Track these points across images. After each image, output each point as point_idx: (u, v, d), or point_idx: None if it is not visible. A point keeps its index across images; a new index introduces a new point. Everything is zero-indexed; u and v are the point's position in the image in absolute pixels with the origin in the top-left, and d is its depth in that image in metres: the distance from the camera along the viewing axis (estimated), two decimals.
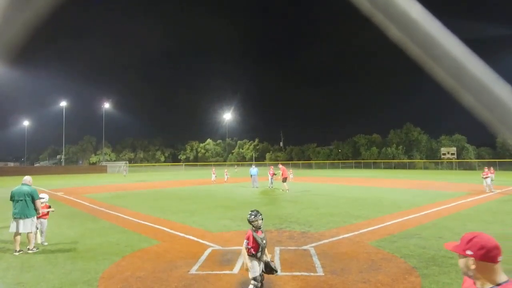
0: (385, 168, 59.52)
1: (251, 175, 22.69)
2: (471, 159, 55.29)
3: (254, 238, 4.41)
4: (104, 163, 67.33)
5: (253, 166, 23.61)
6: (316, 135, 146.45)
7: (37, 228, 7.51)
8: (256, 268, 4.41)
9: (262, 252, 4.49)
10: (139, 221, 10.37)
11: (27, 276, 5.53)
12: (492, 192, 17.55)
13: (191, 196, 17.36)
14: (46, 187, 22.86)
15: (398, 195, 17.03)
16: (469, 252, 1.54)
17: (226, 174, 28.48)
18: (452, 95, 0.75)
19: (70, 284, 5.16)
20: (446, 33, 0.70)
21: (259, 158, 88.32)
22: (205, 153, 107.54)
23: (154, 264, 6.09)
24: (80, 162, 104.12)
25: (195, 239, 7.98)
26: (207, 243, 7.55)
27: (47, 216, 7.89)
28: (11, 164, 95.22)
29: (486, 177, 17.99)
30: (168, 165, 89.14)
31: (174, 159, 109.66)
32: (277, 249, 6.92)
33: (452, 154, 56.17)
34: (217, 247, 7.19)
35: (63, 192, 20.11)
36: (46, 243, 7.52)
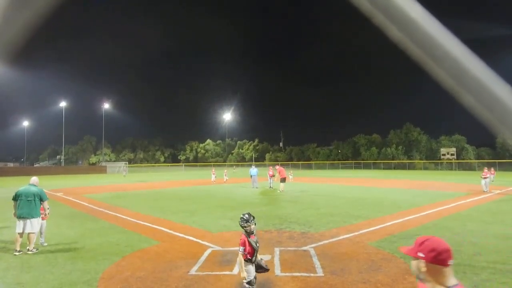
0: (385, 168, 59.53)
1: (251, 176, 22.68)
2: (470, 159, 55.32)
3: (249, 243, 4.34)
4: (104, 164, 67.33)
5: (253, 167, 23.61)
6: (316, 135, 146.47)
7: (41, 231, 7.58)
8: (251, 272, 4.38)
9: (256, 255, 4.45)
10: (139, 221, 10.37)
11: (26, 277, 5.53)
12: (486, 191, 17.61)
13: (191, 197, 17.36)
14: (46, 187, 22.84)
15: (398, 195, 17.04)
16: (420, 255, 1.55)
17: (226, 175, 28.47)
18: (452, 96, 0.75)
19: (70, 284, 5.15)
20: (446, 33, 0.70)
21: (259, 159, 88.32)
22: (205, 153, 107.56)
23: (154, 264, 6.09)
24: (80, 162, 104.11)
25: (195, 239, 7.98)
26: (207, 243, 7.55)
27: (46, 217, 7.89)
28: (11, 164, 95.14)
29: (486, 177, 18.11)
30: (168, 165, 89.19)
31: (174, 159, 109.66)
32: (277, 250, 6.91)
33: (452, 154, 56.21)
34: (217, 247, 7.19)
35: (62, 192, 20.10)
36: (45, 244, 7.51)
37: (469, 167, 52.69)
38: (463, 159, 55.92)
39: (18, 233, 6.93)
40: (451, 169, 53.64)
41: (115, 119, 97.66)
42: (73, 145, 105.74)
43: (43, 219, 7.72)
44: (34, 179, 7.53)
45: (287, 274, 5.52)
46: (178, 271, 5.69)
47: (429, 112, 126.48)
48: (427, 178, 32.26)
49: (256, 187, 21.69)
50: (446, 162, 56.45)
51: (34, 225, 7.05)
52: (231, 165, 67.90)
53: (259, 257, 4.56)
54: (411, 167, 58.85)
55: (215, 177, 28.12)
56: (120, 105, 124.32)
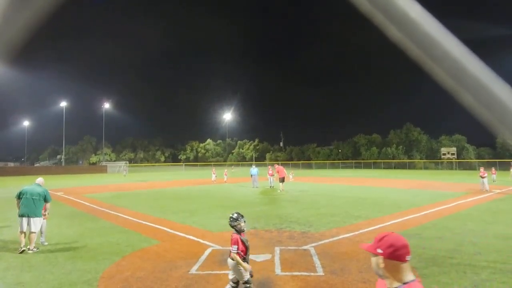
0: (385, 168, 59.52)
1: (251, 175, 22.69)
2: (471, 159, 55.29)
3: (242, 242, 4.32)
4: (104, 163, 67.35)
5: (253, 166, 23.61)
6: (316, 135, 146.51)
7: (42, 230, 7.62)
8: (246, 272, 4.36)
9: (248, 254, 4.43)
10: (139, 221, 10.37)
11: (27, 276, 5.53)
12: (487, 191, 17.68)
13: (191, 196, 17.36)
14: (46, 187, 22.80)
15: (398, 195, 17.03)
16: (379, 251, 1.55)
17: (226, 174, 28.48)
18: (452, 95, 0.75)
19: (70, 284, 5.16)
20: (446, 33, 0.70)
21: (259, 158, 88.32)
22: (205, 153, 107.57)
23: (154, 264, 6.09)
24: (80, 162, 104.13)
25: (195, 239, 7.98)
26: (207, 243, 7.55)
27: (46, 217, 7.90)
28: (11, 164, 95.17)
29: (484, 177, 18.21)
30: (168, 165, 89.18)
31: (174, 159, 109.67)
32: (277, 249, 6.92)
33: (452, 154, 56.20)
34: (217, 247, 7.19)
35: (63, 192, 20.11)
36: (46, 243, 7.52)
37: (470, 167, 52.64)
38: (464, 159, 55.90)
39: (21, 232, 6.95)
40: (452, 169, 53.62)
41: (115, 119, 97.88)
42: (73, 145, 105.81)
43: (44, 218, 7.74)
44: (40, 179, 7.69)
45: (287, 273, 5.52)
46: (179, 271, 5.69)
47: (429, 112, 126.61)
48: (427, 177, 32.25)
49: (257, 187, 21.69)
50: (447, 162, 56.44)
51: (36, 224, 7.10)
52: (231, 165, 67.91)
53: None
54: (411, 166, 58.83)
55: (216, 176, 28.13)
56: (120, 105, 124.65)
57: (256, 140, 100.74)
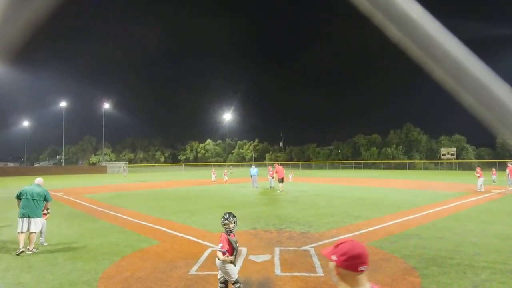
0: (385, 168, 59.52)
1: (251, 176, 22.68)
2: (471, 159, 55.30)
3: (229, 241, 4.32)
4: (104, 164, 67.32)
5: (253, 167, 23.61)
6: (316, 135, 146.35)
7: (42, 230, 7.62)
8: (234, 272, 4.35)
9: (237, 255, 4.42)
10: (139, 221, 10.37)
11: (26, 277, 5.53)
12: (482, 191, 17.89)
13: (191, 196, 17.36)
14: (46, 187, 22.80)
15: (398, 195, 17.03)
16: (333, 257, 1.50)
17: (226, 175, 28.48)
18: (452, 95, 0.75)
19: (70, 284, 5.15)
20: (446, 33, 0.70)
21: (259, 159, 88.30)
22: (205, 153, 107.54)
23: (154, 264, 6.09)
24: (80, 162, 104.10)
25: (195, 239, 7.98)
26: (207, 243, 7.55)
27: (46, 216, 7.90)
28: (11, 164, 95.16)
29: (481, 177, 18.45)
30: (168, 165, 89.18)
31: (174, 159, 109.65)
32: (277, 250, 6.91)
33: (452, 154, 56.21)
34: (217, 247, 7.18)
35: (62, 192, 20.10)
36: (45, 244, 7.52)
37: (469, 167, 52.59)
38: (463, 159, 55.91)
39: (19, 232, 6.94)
40: (451, 169, 53.62)
41: (115, 119, 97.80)
42: (73, 145, 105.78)
43: (43, 218, 7.73)
44: (39, 179, 7.67)
45: (287, 274, 5.52)
46: (178, 271, 5.69)
47: (429, 112, 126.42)
48: (427, 178, 32.26)
49: (256, 187, 21.69)
50: (446, 162, 56.44)
51: (36, 224, 7.10)
52: (229, 165, 67.87)
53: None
54: (411, 167, 58.83)
55: (215, 177, 28.12)
56: (120, 105, 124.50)
57: (256, 140, 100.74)
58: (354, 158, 69.37)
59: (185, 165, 71.85)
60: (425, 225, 9.34)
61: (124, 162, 57.66)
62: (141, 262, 6.20)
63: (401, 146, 63.96)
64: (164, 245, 7.52)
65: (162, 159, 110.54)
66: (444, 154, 57.58)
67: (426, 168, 56.48)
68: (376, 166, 61.34)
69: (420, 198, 15.58)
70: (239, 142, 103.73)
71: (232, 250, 4.33)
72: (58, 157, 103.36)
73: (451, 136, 60.78)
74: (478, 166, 20.15)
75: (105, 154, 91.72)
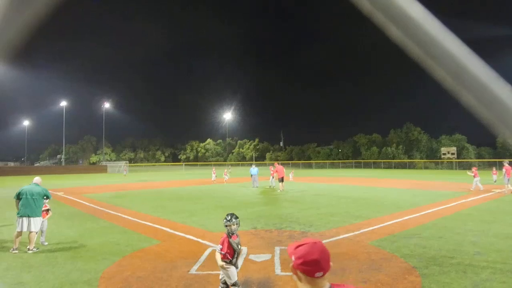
0: (385, 168, 59.53)
1: (251, 175, 22.69)
2: (471, 159, 55.27)
3: (229, 244, 4.27)
4: (104, 163, 67.34)
5: (253, 166, 23.61)
6: (316, 135, 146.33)
7: (42, 230, 7.64)
8: (234, 273, 4.30)
9: (237, 257, 4.36)
10: (139, 221, 10.37)
11: (27, 276, 5.53)
12: (471, 190, 18.24)
13: (191, 196, 17.36)
14: (46, 187, 22.80)
15: (398, 195, 17.03)
16: (292, 258, 1.45)
17: (226, 174, 28.49)
18: (452, 95, 0.75)
19: (70, 284, 5.16)
20: (446, 32, 0.70)
21: (259, 158, 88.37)
22: (205, 153, 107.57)
23: (154, 264, 6.09)
24: (80, 162, 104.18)
25: (195, 239, 7.99)
26: (207, 243, 7.55)
27: (45, 215, 7.90)
28: (11, 164, 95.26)
29: (475, 177, 18.73)
30: (168, 165, 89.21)
31: (174, 159, 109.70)
32: (277, 249, 6.92)
33: (452, 154, 56.17)
34: (217, 247, 7.19)
35: (63, 192, 20.11)
36: (46, 243, 7.52)
37: (470, 167, 52.53)
38: (464, 159, 55.88)
39: (18, 232, 6.97)
40: (452, 169, 53.61)
41: (116, 119, 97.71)
42: (73, 145, 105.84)
43: (44, 217, 7.73)
44: (37, 179, 7.67)
45: (287, 273, 5.52)
46: (179, 271, 5.70)
47: (429, 111, 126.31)
48: (428, 177, 32.25)
49: (257, 187, 21.69)
50: (447, 162, 56.42)
51: (36, 224, 7.12)
52: (230, 165, 67.90)
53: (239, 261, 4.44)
54: (411, 166, 58.83)
55: (216, 176, 28.12)
56: (120, 105, 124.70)
57: (256, 140, 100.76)
58: (354, 157, 69.36)
59: (185, 165, 71.88)
60: (425, 224, 9.34)
61: (124, 162, 57.75)
62: (142, 262, 6.20)
63: (401, 146, 63.94)
64: (164, 244, 7.53)
65: (163, 158, 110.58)
66: (444, 154, 57.54)
67: (426, 168, 56.47)
68: (376, 166, 61.34)
69: (420, 197, 15.57)
70: (239, 141, 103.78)
71: (232, 252, 4.28)
72: (58, 156, 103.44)
73: (452, 135, 60.74)
74: (474, 166, 20.44)
75: (105, 153, 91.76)
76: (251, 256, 6.41)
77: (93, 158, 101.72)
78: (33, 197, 7.16)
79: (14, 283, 5.23)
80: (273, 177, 21.85)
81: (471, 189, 18.68)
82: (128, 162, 62.57)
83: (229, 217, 4.40)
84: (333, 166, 67.68)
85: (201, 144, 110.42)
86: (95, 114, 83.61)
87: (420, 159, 60.38)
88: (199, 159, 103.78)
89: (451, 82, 0.71)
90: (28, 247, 6.97)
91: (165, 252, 6.90)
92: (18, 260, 6.44)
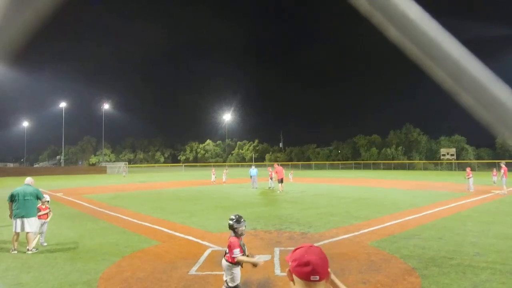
0: (384, 168, 59.53)
1: (251, 176, 22.69)
2: (470, 160, 55.29)
3: (240, 245, 4.12)
4: (103, 164, 67.31)
5: (253, 167, 23.61)
6: (316, 136, 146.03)
7: (42, 231, 7.62)
8: (239, 276, 4.19)
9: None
10: (138, 221, 10.36)
11: (26, 277, 5.53)
12: (469, 190, 18.35)
13: (191, 197, 17.35)
14: (46, 187, 22.83)
15: (397, 195, 17.04)
16: (289, 262, 1.42)
17: (225, 174, 28.46)
18: (451, 96, 0.75)
19: (70, 285, 5.15)
20: (445, 33, 0.71)
21: (259, 159, 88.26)
22: (204, 153, 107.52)
23: (153, 264, 6.09)
24: (80, 162, 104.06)
25: (195, 239, 7.98)
26: (207, 243, 7.55)
27: (47, 217, 7.89)
28: (11, 164, 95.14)
29: (469, 178, 18.97)
30: (168, 165, 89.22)
31: (173, 159, 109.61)
32: (276, 250, 6.92)
33: (452, 155, 56.19)
34: (216, 247, 7.19)
35: (62, 192, 20.09)
36: (45, 244, 7.52)
37: (470, 168, 52.61)
38: (463, 160, 55.89)
39: (16, 233, 6.97)
40: (451, 170, 53.62)
41: (115, 119, 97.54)
42: (73, 146, 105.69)
43: (43, 218, 7.71)
44: (29, 179, 7.63)
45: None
46: (178, 271, 5.69)
47: (429, 112, 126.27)
48: (427, 178, 32.26)
49: (256, 188, 21.69)
50: (446, 163, 56.44)
51: (31, 224, 7.10)
52: (230, 166, 67.92)
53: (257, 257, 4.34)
54: (411, 167, 58.83)
55: (215, 177, 28.12)
56: (120, 105, 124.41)
57: (256, 141, 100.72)
58: (354, 158, 69.37)
59: (185, 166, 71.86)
60: (425, 225, 9.34)
61: (124, 163, 57.69)
62: (141, 263, 6.20)
63: (400, 147, 63.95)
64: (164, 245, 7.52)
65: (162, 159, 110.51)
66: (443, 155, 57.57)
67: (425, 169, 56.48)
68: (376, 167, 61.34)
69: (420, 198, 15.58)
70: (239, 142, 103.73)
71: (243, 253, 4.17)
72: (58, 157, 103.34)
73: (451, 136, 60.75)
74: (468, 167, 20.64)
75: (105, 154, 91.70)
76: None
77: (93, 159, 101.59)
78: (26, 198, 7.14)
79: (14, 284, 5.22)
80: (271, 178, 21.86)
81: (468, 189, 18.69)
82: (127, 163, 62.49)
83: (240, 218, 4.22)
84: (332, 167, 67.68)
85: (201, 145, 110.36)
86: (95, 115, 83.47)
87: (419, 160, 60.40)
88: (198, 160, 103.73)
89: (450, 82, 0.71)
90: (27, 247, 6.97)
91: (165, 252, 6.89)
92: (17, 261, 6.43)
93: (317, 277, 1.35)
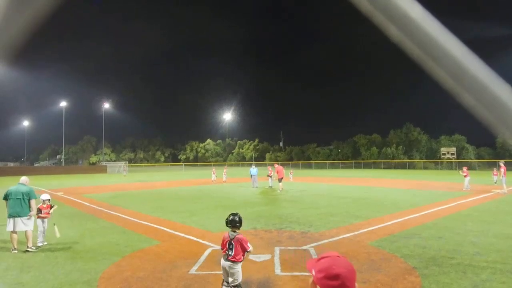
0: (385, 168, 59.51)
1: (251, 175, 22.70)
2: (471, 159, 55.28)
3: None
4: (104, 163, 67.33)
5: (253, 166, 23.62)
6: (316, 135, 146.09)
7: (44, 228, 7.61)
8: (241, 273, 4.33)
9: None
10: (139, 221, 10.37)
11: (26, 277, 5.53)
12: (467, 190, 18.27)
13: (191, 196, 17.36)
14: (46, 187, 22.84)
15: (398, 195, 17.04)
16: (313, 272, 1.28)
17: (225, 174, 28.49)
18: (452, 95, 0.75)
19: (70, 284, 5.16)
20: (446, 33, 0.70)
21: (259, 158, 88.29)
22: (205, 153, 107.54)
23: (154, 264, 6.09)
24: (80, 162, 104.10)
25: (195, 239, 7.98)
26: (207, 243, 7.55)
27: (49, 216, 7.90)
28: (11, 164, 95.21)
29: (466, 176, 19.04)
30: (168, 165, 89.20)
31: (174, 159, 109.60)
32: (277, 249, 6.92)
33: (452, 154, 56.17)
34: (217, 247, 7.18)
35: (63, 192, 20.10)
36: (45, 243, 7.52)
37: (469, 167, 52.55)
38: (463, 159, 55.86)
39: (11, 232, 7.00)
40: (451, 169, 53.60)
41: (115, 119, 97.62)
42: (73, 145, 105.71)
43: (43, 217, 7.70)
44: (23, 178, 7.57)
45: (287, 273, 5.52)
46: (178, 271, 5.70)
47: (429, 112, 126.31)
48: (427, 177, 32.26)
49: (256, 187, 21.70)
50: (446, 162, 56.41)
51: (26, 223, 7.09)
52: (226, 165, 67.88)
53: None
54: (411, 166, 58.81)
55: (216, 176, 28.14)
56: (120, 105, 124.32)
57: (256, 140, 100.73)
58: (354, 158, 69.35)
59: (185, 165, 71.86)
60: (425, 224, 9.34)
61: (124, 162, 57.72)
62: (141, 262, 6.20)
63: (401, 146, 63.92)
64: (164, 245, 7.53)
65: (162, 158, 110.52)
66: (444, 154, 57.54)
67: (426, 168, 56.46)
68: (376, 166, 61.32)
69: (420, 198, 15.58)
70: (239, 142, 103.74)
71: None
72: (58, 157, 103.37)
73: (451, 136, 60.73)
74: (465, 166, 20.70)
75: (105, 154, 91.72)
76: (251, 256, 6.40)
77: (93, 159, 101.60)
78: (18, 198, 7.12)
79: (14, 283, 5.23)
80: (271, 176, 21.94)
81: (464, 189, 18.74)
82: (127, 162, 62.54)
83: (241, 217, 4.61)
84: (333, 166, 67.68)
85: (201, 145, 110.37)
86: (95, 114, 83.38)
87: (419, 159, 60.39)
88: (199, 160, 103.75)
89: (451, 82, 0.71)
90: (27, 245, 7.01)
91: (165, 252, 6.90)
92: (17, 260, 6.44)
93: None
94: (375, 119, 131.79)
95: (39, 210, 7.61)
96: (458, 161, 55.06)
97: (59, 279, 5.39)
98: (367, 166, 62.56)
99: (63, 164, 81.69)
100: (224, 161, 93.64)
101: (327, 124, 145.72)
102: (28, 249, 6.93)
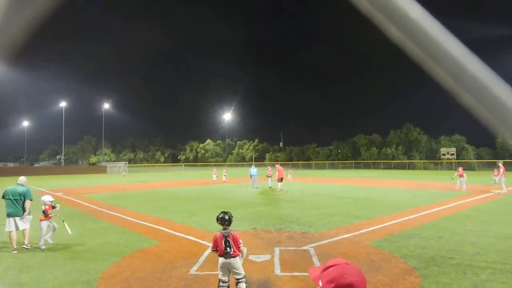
0: (385, 168, 59.52)
1: (251, 176, 22.71)
2: (470, 159, 55.30)
3: None
4: (103, 164, 67.31)
5: (253, 167, 23.63)
6: (316, 135, 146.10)
7: (54, 227, 7.64)
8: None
9: None
10: (139, 221, 10.37)
11: (26, 277, 5.53)
12: (464, 190, 18.28)
13: (191, 196, 17.36)
14: (46, 187, 22.84)
15: (398, 195, 17.04)
16: (320, 283, 1.19)
17: (225, 174, 28.49)
18: (452, 96, 0.75)
19: (70, 284, 5.16)
20: (446, 33, 0.70)
21: (259, 159, 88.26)
22: (204, 153, 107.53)
23: (154, 264, 6.09)
24: (80, 162, 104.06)
25: (195, 239, 7.98)
26: (207, 243, 7.54)
27: (51, 216, 7.89)
28: (11, 164, 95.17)
29: (461, 176, 19.10)
30: (168, 165, 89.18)
31: (173, 159, 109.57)
32: (276, 250, 6.91)
33: (452, 154, 56.18)
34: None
35: (62, 192, 20.10)
36: (43, 247, 7.50)
37: (469, 167, 52.62)
38: (463, 159, 55.86)
39: (9, 232, 7.02)
40: (451, 169, 53.58)
41: (115, 119, 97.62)
42: (73, 145, 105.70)
43: (43, 219, 7.70)
44: (21, 178, 7.62)
45: (287, 273, 5.52)
46: (178, 271, 5.69)
47: (429, 112, 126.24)
48: (427, 178, 32.26)
49: (256, 187, 21.70)
50: (446, 162, 56.43)
51: (24, 222, 7.15)
52: (226, 165, 67.86)
53: None
54: (411, 167, 58.81)
55: (216, 176, 28.15)
56: (120, 105, 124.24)
57: (256, 140, 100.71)
58: (354, 158, 69.36)
59: (185, 165, 71.86)
60: (425, 225, 9.34)
61: (124, 162, 57.74)
62: (141, 262, 6.20)
63: (401, 146, 63.94)
64: (164, 245, 7.52)
65: (162, 159, 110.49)
66: (444, 154, 57.55)
67: (426, 168, 56.47)
68: (376, 166, 61.33)
69: (420, 198, 15.58)
70: (239, 142, 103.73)
71: None
72: (58, 157, 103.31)
73: (451, 136, 60.72)
74: (460, 166, 20.78)
75: (105, 154, 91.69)
76: (251, 257, 6.40)
77: (93, 159, 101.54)
78: (15, 198, 7.17)
79: (14, 283, 5.23)
80: (270, 176, 21.98)
81: (461, 189, 18.74)
82: (127, 162, 62.54)
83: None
84: (332, 166, 67.69)
85: (201, 145, 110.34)
86: (95, 114, 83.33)
87: (419, 159, 60.40)
88: (198, 160, 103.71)
89: (451, 82, 0.71)
90: (24, 242, 7.08)
91: (165, 252, 6.89)
92: (17, 260, 6.44)
93: None
94: (375, 119, 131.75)
95: (44, 213, 7.59)
96: (458, 161, 55.10)
97: (58, 279, 5.39)
98: (367, 166, 62.56)
99: (63, 164, 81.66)
100: (224, 161, 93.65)
101: (327, 124, 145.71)
102: (24, 246, 6.97)
